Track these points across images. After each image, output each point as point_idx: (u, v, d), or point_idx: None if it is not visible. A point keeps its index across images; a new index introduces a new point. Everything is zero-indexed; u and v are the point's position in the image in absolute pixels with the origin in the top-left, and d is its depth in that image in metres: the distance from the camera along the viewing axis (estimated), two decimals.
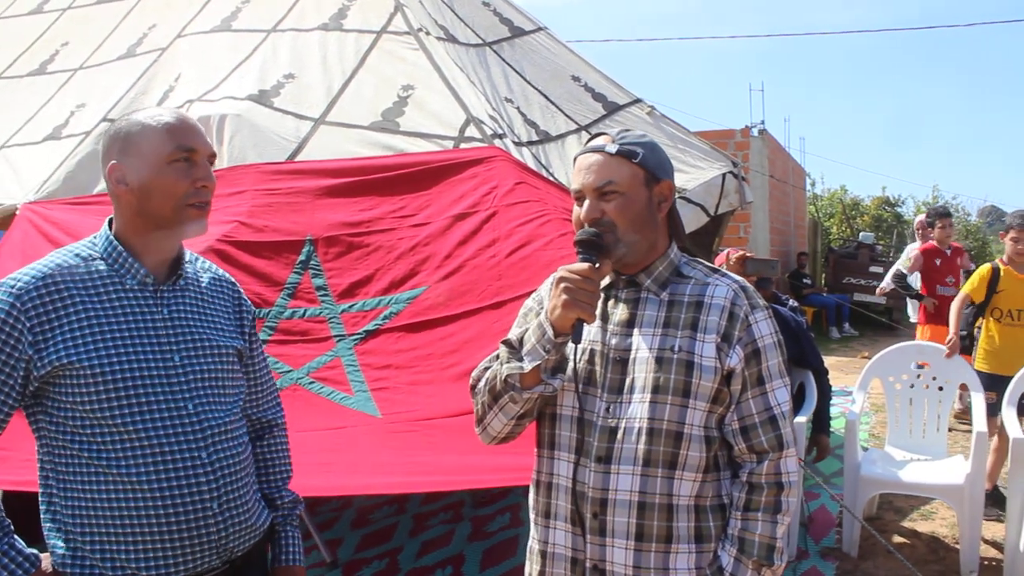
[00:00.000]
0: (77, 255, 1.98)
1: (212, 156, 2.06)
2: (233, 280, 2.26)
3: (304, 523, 5.03)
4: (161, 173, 1.96)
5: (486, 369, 2.03)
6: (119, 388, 1.88)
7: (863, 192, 32.97)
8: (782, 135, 24.86)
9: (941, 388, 5.64)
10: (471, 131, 4.24)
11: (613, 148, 1.97)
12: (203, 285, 2.14)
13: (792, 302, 5.67)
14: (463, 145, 4.19)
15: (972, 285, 6.18)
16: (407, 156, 4.17)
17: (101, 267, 1.97)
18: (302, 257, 3.84)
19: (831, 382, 5.47)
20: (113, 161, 1.99)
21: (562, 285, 1.85)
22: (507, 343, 1.95)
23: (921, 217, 9.69)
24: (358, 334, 3.54)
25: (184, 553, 1.93)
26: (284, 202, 4.07)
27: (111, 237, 2.01)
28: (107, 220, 2.05)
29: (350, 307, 3.65)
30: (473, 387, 2.06)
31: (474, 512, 5.70)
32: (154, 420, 1.91)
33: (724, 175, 6.12)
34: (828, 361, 5.65)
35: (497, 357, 2.00)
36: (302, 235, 3.91)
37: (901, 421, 5.72)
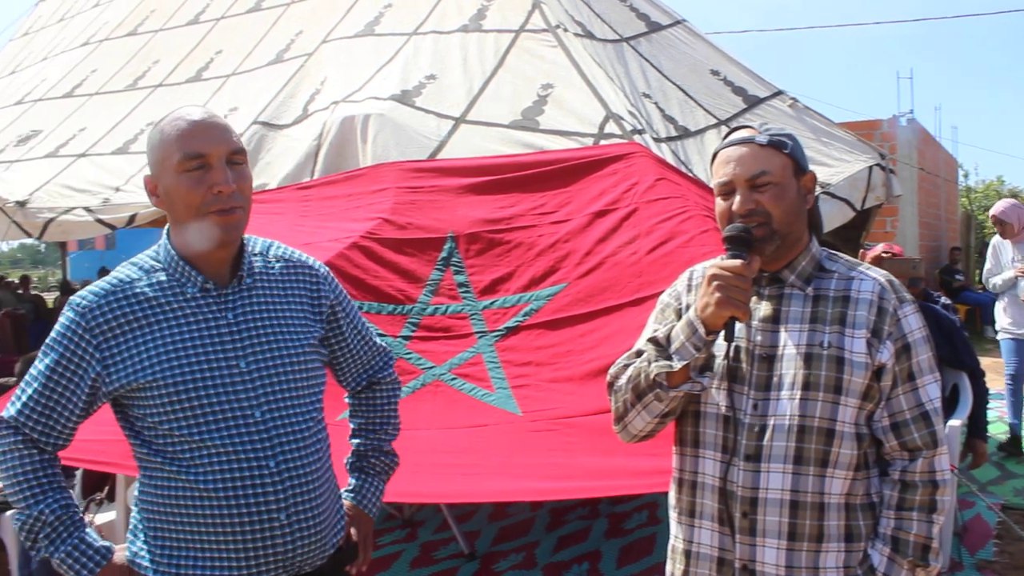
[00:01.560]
0: (140, 268, 1.96)
1: (235, 153, 1.91)
2: (311, 264, 2.14)
3: (443, 514, 5.14)
4: (176, 183, 1.88)
5: (626, 367, 2.00)
6: (183, 400, 1.85)
7: (1023, 183, 31.12)
8: (932, 124, 23.75)
9: None
10: (611, 128, 4.24)
11: (763, 139, 1.94)
12: (275, 277, 2.04)
13: (944, 299, 5.41)
14: (603, 142, 4.19)
15: None
16: (547, 153, 4.20)
17: (162, 277, 1.94)
18: (444, 254, 3.90)
19: (987, 384, 5.19)
20: (147, 174, 1.96)
21: (715, 283, 1.82)
22: (654, 341, 1.93)
23: (999, 208, 7.41)
24: (499, 331, 3.58)
25: (249, 564, 1.89)
26: (426, 199, 4.15)
27: (169, 246, 1.96)
28: (165, 229, 2.00)
29: (491, 304, 3.69)
30: (611, 384, 2.04)
31: (611, 509, 5.69)
32: (220, 429, 1.87)
33: (871, 168, 5.90)
34: (983, 362, 5.34)
35: (637, 354, 1.99)
36: (444, 232, 3.98)
37: None
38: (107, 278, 1.95)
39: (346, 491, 2.25)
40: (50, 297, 17.22)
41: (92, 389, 1.89)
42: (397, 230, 4.05)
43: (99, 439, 2.59)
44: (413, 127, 4.71)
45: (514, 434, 3.16)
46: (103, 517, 4.24)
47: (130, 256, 2.04)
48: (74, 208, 5.85)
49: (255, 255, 2.05)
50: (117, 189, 5.82)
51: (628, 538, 5.21)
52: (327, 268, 2.18)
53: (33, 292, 14.44)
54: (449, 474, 3.00)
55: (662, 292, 2.17)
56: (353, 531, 2.21)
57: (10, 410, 1.93)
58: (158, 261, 1.96)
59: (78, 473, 4.40)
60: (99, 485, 4.33)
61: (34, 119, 7.55)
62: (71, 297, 1.94)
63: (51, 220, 5.91)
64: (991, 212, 7.56)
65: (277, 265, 2.06)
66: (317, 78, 5.66)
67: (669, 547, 2.09)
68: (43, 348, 1.93)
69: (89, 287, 1.94)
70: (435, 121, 4.75)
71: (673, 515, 2.07)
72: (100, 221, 5.72)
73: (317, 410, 2.04)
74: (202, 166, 1.86)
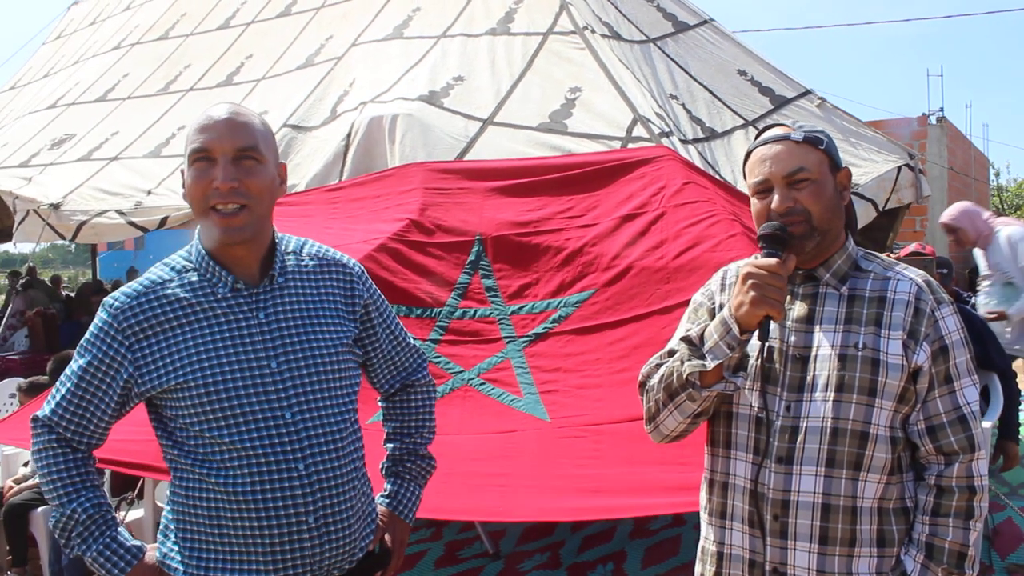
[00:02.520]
0: (172, 268, 1.95)
1: (244, 150, 1.88)
2: (345, 262, 2.11)
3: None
4: (188, 176, 1.89)
5: (658, 366, 1.99)
6: (212, 402, 1.85)
7: None
8: (963, 122, 23.44)
9: None
10: (638, 131, 4.24)
11: (799, 135, 1.92)
12: (308, 275, 2.02)
13: (974, 299, 5.36)
14: (631, 145, 4.19)
15: None
16: (575, 156, 4.19)
17: (194, 278, 1.92)
18: (472, 257, 3.89)
19: (1018, 385, 5.13)
20: (182, 167, 1.96)
21: (749, 281, 1.80)
22: (687, 340, 1.92)
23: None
24: (527, 336, 3.57)
25: (276, 567, 1.88)
26: (454, 201, 4.15)
27: (200, 246, 1.95)
28: (197, 229, 1.98)
29: (519, 308, 3.68)
30: (643, 384, 2.03)
31: None
32: (250, 431, 1.86)
33: (899, 168, 5.86)
34: (1015, 364, 5.29)
35: (670, 353, 1.98)
36: (471, 235, 3.97)
37: None
38: (140, 279, 1.95)
39: (381, 496, 2.22)
40: None
41: (124, 390, 1.90)
42: (425, 233, 4.05)
43: (132, 439, 2.62)
44: (441, 127, 4.74)
45: (543, 440, 3.14)
46: (132, 515, 4.29)
47: (158, 257, 2.05)
48: (107, 211, 5.94)
49: (288, 254, 2.03)
50: (149, 192, 5.90)
51: (653, 539, 5.20)
52: (362, 266, 2.16)
53: (65, 292, 14.59)
54: (481, 486, 2.98)
55: (689, 299, 2.16)
56: (387, 537, 2.18)
57: (45, 409, 1.95)
58: (190, 261, 1.95)
59: (107, 471, 4.47)
60: (130, 483, 4.39)
61: (67, 123, 7.66)
62: (105, 298, 1.95)
63: (84, 222, 6.01)
64: (940, 219, 6.16)
65: (311, 263, 2.04)
66: (346, 80, 5.71)
67: (699, 548, 2.07)
68: (78, 348, 1.94)
69: (122, 288, 1.94)
70: (463, 122, 4.77)
71: (704, 516, 2.05)
72: (132, 223, 5.81)
73: (351, 411, 2.01)
74: (207, 160, 1.86)
